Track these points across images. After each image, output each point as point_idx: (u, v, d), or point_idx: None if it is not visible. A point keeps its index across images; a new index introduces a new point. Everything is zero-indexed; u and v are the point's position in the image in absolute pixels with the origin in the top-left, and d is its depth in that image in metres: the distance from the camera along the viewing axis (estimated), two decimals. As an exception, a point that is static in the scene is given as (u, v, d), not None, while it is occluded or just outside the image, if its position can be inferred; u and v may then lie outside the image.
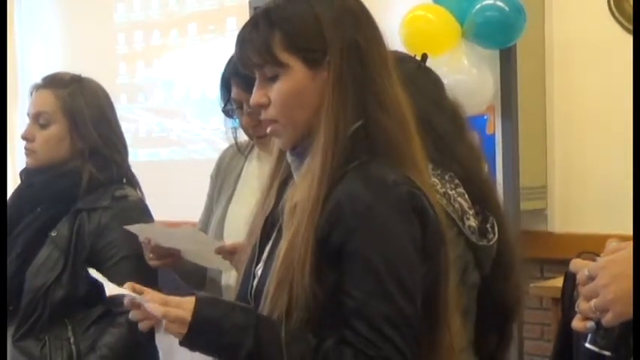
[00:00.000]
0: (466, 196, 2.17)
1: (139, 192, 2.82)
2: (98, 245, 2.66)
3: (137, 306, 1.67)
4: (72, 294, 2.63)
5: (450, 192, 2.15)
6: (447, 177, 2.17)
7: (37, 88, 2.79)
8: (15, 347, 2.65)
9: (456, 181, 2.17)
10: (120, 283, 2.48)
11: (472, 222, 2.16)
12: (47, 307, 2.63)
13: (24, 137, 2.74)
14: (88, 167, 2.69)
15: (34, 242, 2.68)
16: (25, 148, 2.74)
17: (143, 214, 2.74)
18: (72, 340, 2.63)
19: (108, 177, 2.72)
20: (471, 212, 2.17)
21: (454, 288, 1.76)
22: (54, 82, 2.77)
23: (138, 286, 1.69)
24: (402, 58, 2.30)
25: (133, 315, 1.68)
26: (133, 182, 2.82)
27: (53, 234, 2.67)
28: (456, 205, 2.14)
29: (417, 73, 2.26)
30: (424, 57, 2.33)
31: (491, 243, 2.18)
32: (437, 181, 2.14)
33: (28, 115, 2.77)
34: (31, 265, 2.66)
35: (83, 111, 2.72)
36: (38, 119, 2.73)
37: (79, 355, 2.63)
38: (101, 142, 2.72)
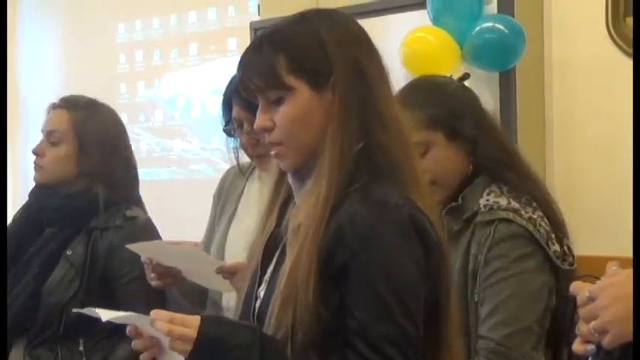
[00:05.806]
0: (546, 219, 2.15)
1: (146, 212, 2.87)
2: (111, 263, 2.71)
3: (139, 335, 1.67)
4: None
5: (534, 216, 2.12)
6: (523, 200, 2.14)
7: (55, 107, 2.85)
8: (28, 356, 2.70)
9: (534, 204, 2.15)
10: (131, 303, 2.53)
11: (556, 246, 2.13)
12: (62, 324, 2.67)
13: (35, 152, 2.81)
14: (101, 189, 2.76)
15: (50, 262, 2.73)
16: (35, 163, 2.82)
17: (152, 235, 2.79)
18: (83, 353, 2.68)
19: (118, 197, 2.79)
20: (553, 236, 2.13)
21: (456, 309, 1.77)
22: (70, 103, 2.84)
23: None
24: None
25: (135, 345, 1.68)
26: (140, 204, 2.88)
27: (68, 252, 2.73)
28: (542, 230, 2.11)
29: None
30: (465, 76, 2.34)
31: (572, 267, 2.14)
32: (519, 206, 2.11)
33: (42, 131, 2.84)
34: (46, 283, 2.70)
35: (91, 134, 2.79)
36: (50, 137, 2.80)
37: None
38: (106, 165, 2.78)
